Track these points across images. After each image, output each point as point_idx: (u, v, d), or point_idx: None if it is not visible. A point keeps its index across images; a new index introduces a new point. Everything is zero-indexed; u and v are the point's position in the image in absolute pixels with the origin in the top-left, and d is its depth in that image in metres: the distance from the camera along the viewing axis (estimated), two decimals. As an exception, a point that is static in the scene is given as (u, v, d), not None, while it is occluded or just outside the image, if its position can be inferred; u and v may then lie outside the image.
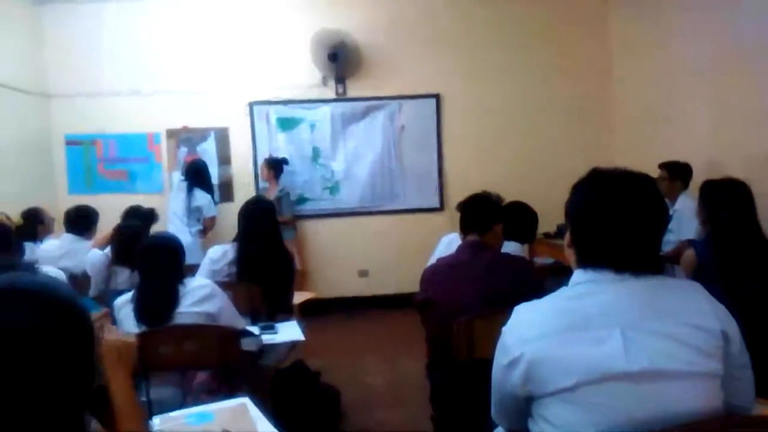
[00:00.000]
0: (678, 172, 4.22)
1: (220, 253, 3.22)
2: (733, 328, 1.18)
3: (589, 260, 1.23)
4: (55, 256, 3.67)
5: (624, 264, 1.20)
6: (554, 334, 1.17)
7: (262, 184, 5.75)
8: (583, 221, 1.26)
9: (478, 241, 2.37)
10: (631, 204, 1.21)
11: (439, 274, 2.38)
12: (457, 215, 2.54)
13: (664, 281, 1.23)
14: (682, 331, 1.13)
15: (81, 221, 3.90)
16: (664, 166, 4.27)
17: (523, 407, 1.25)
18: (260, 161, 5.77)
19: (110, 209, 4.21)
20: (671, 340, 1.13)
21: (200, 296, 2.43)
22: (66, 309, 0.91)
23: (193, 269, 3.18)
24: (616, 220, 1.21)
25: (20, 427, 0.85)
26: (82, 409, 0.95)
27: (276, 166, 5.53)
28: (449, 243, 2.96)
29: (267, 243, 3.20)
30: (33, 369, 0.85)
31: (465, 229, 2.46)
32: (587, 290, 1.21)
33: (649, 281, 1.20)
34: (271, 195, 5.40)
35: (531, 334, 1.19)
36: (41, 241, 3.93)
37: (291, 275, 3.32)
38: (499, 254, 2.47)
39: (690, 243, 3.02)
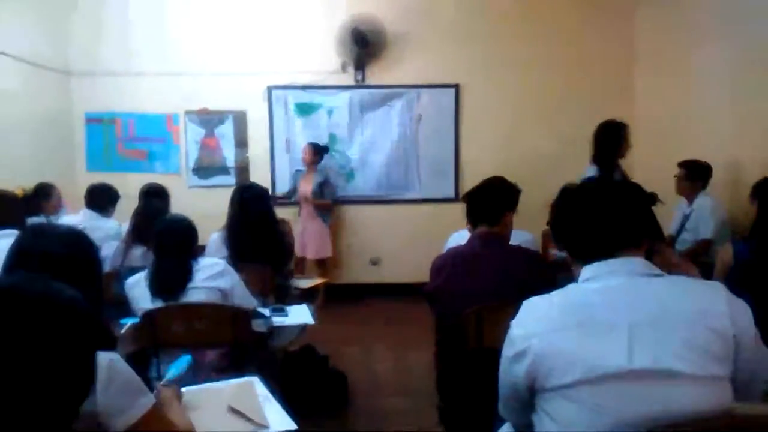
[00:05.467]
0: (698, 172, 4.16)
1: (216, 236, 3.28)
2: (747, 332, 1.16)
3: (587, 255, 1.27)
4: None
5: (613, 246, 1.25)
6: (562, 329, 1.17)
7: (293, 168, 5.75)
8: (565, 226, 1.36)
9: (489, 232, 2.34)
10: (597, 194, 1.34)
11: (449, 264, 2.36)
12: (472, 206, 2.48)
13: (680, 280, 1.22)
14: (693, 333, 1.12)
15: (102, 199, 3.91)
16: (684, 164, 4.21)
17: (528, 400, 1.25)
18: (277, 146, 5.80)
19: (128, 188, 4.24)
20: (681, 341, 1.11)
21: (213, 272, 2.49)
22: (63, 316, 0.95)
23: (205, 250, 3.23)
24: (594, 214, 1.29)
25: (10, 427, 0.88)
26: (75, 411, 0.98)
27: (320, 151, 5.56)
28: (459, 241, 2.92)
29: (258, 229, 3.20)
30: (22, 373, 0.89)
31: (473, 220, 2.39)
32: (597, 286, 1.21)
33: (664, 280, 1.20)
34: (310, 179, 5.46)
35: (538, 328, 1.19)
36: (47, 216, 3.95)
37: (281, 261, 3.30)
38: (512, 247, 2.44)
39: (731, 242, 2.94)
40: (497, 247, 2.32)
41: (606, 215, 1.28)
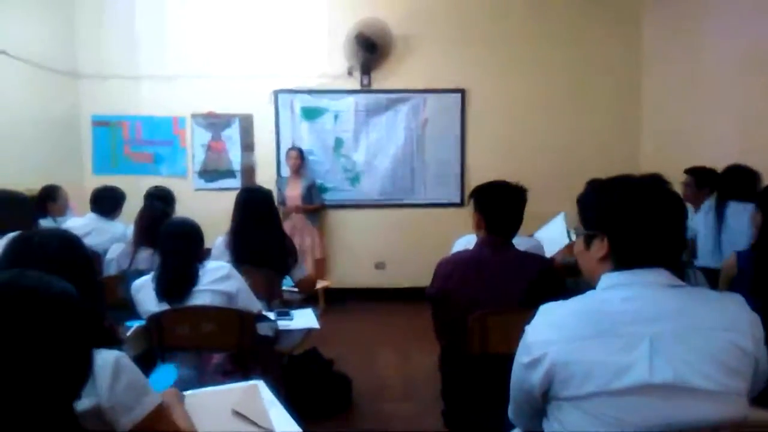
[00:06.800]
0: (705, 179, 4.12)
1: (220, 240, 3.27)
2: (763, 349, 1.15)
3: (629, 262, 1.21)
4: (80, 234, 3.71)
5: (660, 259, 1.20)
6: (581, 338, 1.14)
7: (284, 173, 5.79)
8: (624, 227, 1.23)
9: (497, 237, 2.31)
10: (663, 204, 1.22)
11: (455, 269, 2.34)
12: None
13: (703, 292, 1.21)
14: (717, 348, 1.10)
15: (107, 201, 3.92)
16: (690, 171, 4.18)
17: (540, 407, 1.24)
18: (283, 150, 5.80)
19: (134, 191, 4.25)
20: (704, 356, 1.09)
21: (219, 276, 2.48)
22: (54, 308, 0.96)
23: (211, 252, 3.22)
24: (655, 221, 1.21)
25: (8, 417, 0.89)
26: (70, 402, 0.99)
27: (305, 156, 5.68)
28: (465, 246, 2.90)
29: (262, 232, 3.16)
30: (14, 365, 0.90)
31: (495, 231, 2.28)
32: (621, 295, 1.17)
33: (686, 292, 1.18)
34: (297, 184, 5.48)
35: (556, 336, 1.16)
36: (54, 219, 3.96)
37: (284, 264, 3.28)
38: (520, 252, 2.41)
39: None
40: (505, 252, 2.30)
41: (670, 228, 1.22)
